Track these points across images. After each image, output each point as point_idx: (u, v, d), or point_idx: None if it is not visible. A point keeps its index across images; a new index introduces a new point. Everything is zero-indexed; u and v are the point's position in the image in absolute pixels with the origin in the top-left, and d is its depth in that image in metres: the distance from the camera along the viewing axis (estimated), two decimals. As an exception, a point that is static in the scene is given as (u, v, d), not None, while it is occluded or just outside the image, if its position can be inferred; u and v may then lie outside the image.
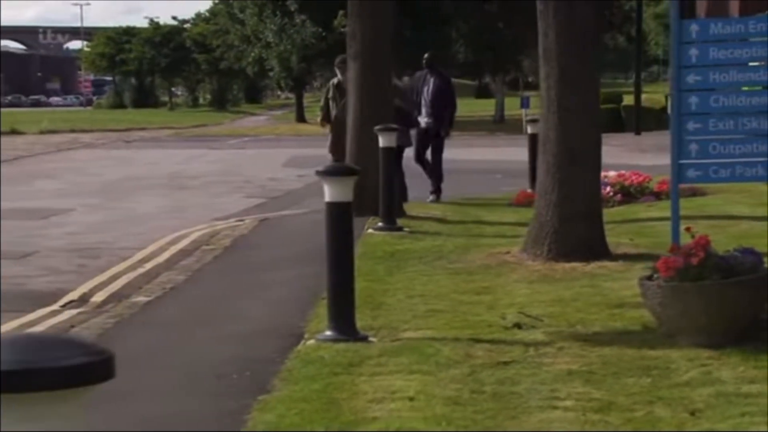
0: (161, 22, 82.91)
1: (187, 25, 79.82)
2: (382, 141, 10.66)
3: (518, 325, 6.22)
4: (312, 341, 6.14)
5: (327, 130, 13.37)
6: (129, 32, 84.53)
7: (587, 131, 8.45)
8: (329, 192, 6.22)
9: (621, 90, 36.31)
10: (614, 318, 6.33)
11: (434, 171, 13.92)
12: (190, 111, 74.37)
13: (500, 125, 41.00)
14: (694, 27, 5.97)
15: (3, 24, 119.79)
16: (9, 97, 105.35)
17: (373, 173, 11.09)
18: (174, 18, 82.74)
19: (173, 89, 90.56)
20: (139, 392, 5.18)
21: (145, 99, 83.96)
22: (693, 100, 5.95)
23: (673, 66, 6.01)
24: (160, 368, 5.70)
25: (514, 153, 24.41)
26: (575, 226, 8.37)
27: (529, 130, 14.45)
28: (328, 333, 6.16)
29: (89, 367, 1.71)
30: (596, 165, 8.56)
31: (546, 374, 5.22)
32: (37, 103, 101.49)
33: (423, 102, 13.69)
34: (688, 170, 6.17)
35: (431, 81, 13.75)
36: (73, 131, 37.71)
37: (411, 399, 4.90)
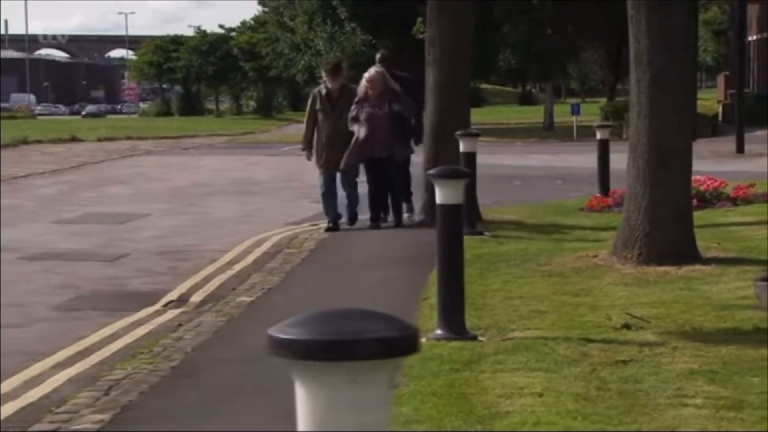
0: (208, 31, 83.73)
1: (233, 34, 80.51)
2: (462, 146, 10.77)
3: (627, 326, 6.31)
4: (423, 340, 6.28)
5: (313, 155, 11.62)
6: (176, 41, 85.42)
7: (679, 134, 8.53)
8: (441, 194, 6.35)
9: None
10: (722, 319, 6.40)
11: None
12: (235, 118, 74.94)
13: (550, 132, 40.93)
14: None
15: (46, 33, 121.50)
16: (76, 106, 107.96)
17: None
18: (221, 26, 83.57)
19: (216, 97, 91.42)
20: (279, 387, 5.34)
21: (191, 107, 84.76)
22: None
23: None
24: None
25: (571, 159, 24.45)
26: (666, 230, 8.44)
27: (599, 135, 14.49)
28: (439, 332, 6.29)
29: (400, 340, 1.85)
30: (687, 168, 8.62)
31: (667, 373, 5.31)
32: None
33: None
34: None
35: None
36: (129, 138, 38.28)
37: (540, 395, 5.02)
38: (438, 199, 6.37)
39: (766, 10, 37.19)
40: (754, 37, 39.14)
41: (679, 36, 8.39)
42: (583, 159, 23.77)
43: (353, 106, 11.30)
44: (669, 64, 8.35)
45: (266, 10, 70.11)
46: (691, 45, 9.51)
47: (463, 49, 11.67)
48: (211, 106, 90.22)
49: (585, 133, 35.44)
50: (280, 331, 1.88)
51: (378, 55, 12.31)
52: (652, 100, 8.41)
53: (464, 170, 6.54)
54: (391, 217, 11.79)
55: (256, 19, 78.97)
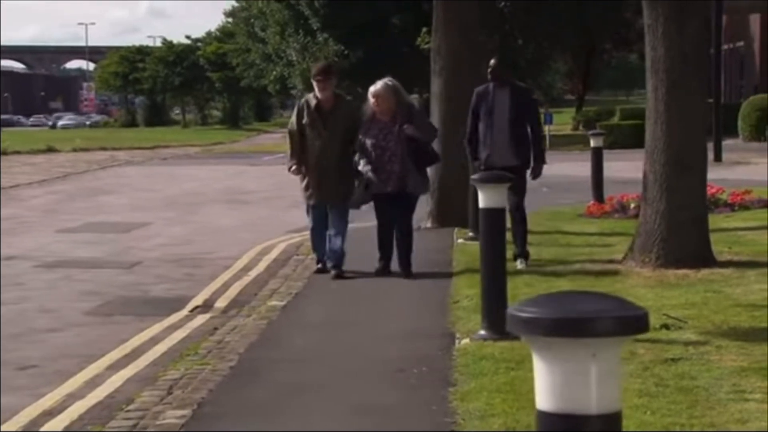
0: (174, 41, 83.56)
1: (199, 44, 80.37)
2: (471, 153, 10.91)
3: (666, 326, 6.47)
4: (467, 340, 6.40)
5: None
6: (142, 51, 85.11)
7: (695, 140, 8.73)
8: (484, 198, 6.50)
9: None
10: (757, 320, 6.58)
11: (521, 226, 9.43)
12: (201, 129, 74.77)
13: (522, 142, 41.22)
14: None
15: (2, 44, 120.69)
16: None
17: (458, 187, 11.40)
18: (187, 37, 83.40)
19: (183, 108, 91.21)
20: (337, 385, 5.45)
21: (157, 117, 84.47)
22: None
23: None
24: (341, 364, 5.95)
25: (548, 168, 24.60)
26: (684, 234, 8.64)
27: (593, 143, 14.72)
28: (483, 332, 6.41)
29: (636, 319, 2.00)
30: (703, 172, 8.82)
31: (719, 370, 5.46)
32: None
33: (488, 130, 9.14)
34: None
35: (503, 97, 9.14)
36: (104, 149, 38.19)
37: (601, 391, 5.16)
38: (481, 204, 6.51)
39: (732, 22, 37.88)
40: (723, 48, 39.80)
41: (696, 43, 8.59)
42: (560, 167, 23.98)
43: (361, 130, 8.89)
44: (686, 71, 8.55)
45: (230, 20, 70.01)
46: (706, 52, 9.78)
47: (471, 56, 11.82)
48: (176, 116, 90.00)
49: (556, 142, 35.79)
50: (522, 310, 2.01)
51: (492, 61, 9.38)
52: (669, 107, 8.60)
53: (508, 175, 6.69)
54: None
55: (221, 29, 78.89)
